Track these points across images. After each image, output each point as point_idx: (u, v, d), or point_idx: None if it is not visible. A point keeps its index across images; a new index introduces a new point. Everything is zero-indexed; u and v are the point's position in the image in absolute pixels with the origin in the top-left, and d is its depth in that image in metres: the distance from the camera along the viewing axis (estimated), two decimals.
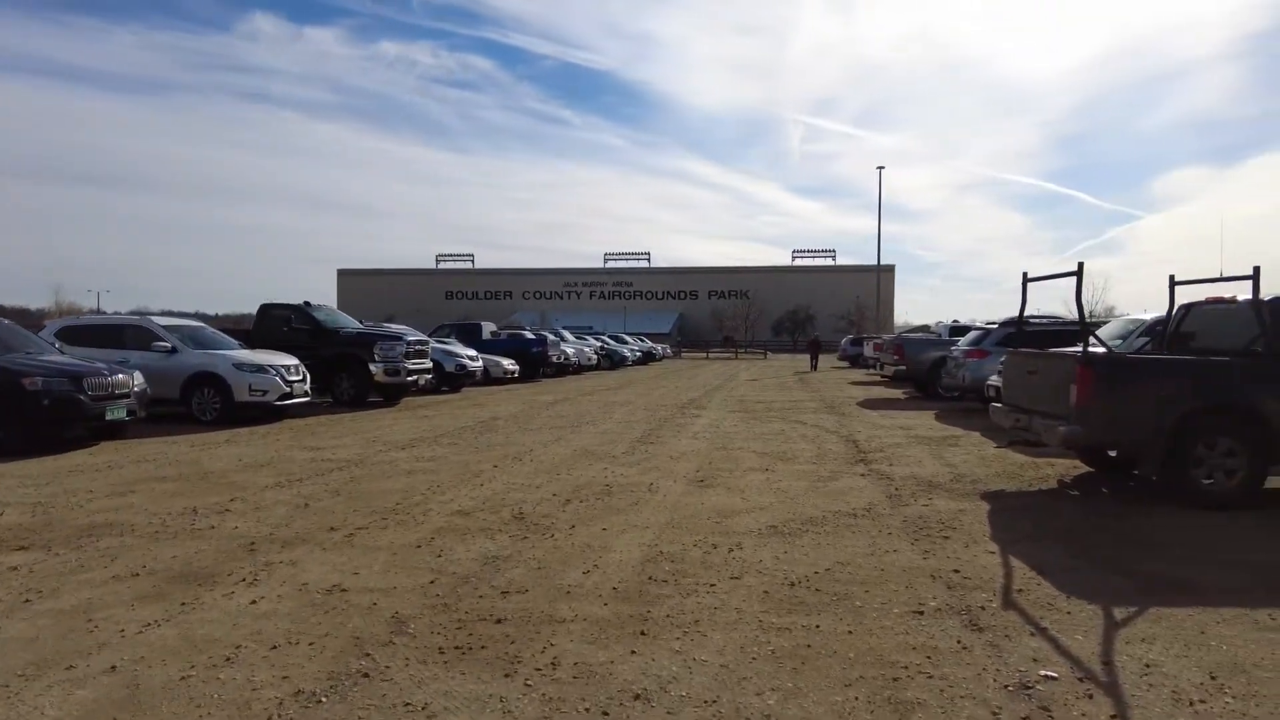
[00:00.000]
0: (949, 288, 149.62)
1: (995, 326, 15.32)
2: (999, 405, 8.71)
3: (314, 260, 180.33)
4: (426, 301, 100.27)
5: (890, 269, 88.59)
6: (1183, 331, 8.54)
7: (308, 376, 13.56)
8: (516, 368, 23.90)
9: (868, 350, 29.36)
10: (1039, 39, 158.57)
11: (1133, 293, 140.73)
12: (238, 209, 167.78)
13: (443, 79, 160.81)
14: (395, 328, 18.88)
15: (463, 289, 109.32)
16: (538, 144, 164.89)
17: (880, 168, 59.37)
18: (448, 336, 25.52)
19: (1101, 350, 8.09)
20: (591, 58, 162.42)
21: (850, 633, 3.84)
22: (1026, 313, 9.74)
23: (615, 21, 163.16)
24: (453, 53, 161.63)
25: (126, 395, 10.22)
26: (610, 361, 35.82)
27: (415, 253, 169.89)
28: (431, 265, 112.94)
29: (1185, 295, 8.63)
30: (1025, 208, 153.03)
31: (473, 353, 21.09)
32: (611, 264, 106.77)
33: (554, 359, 26.84)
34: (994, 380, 12.88)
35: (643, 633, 3.81)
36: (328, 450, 9.75)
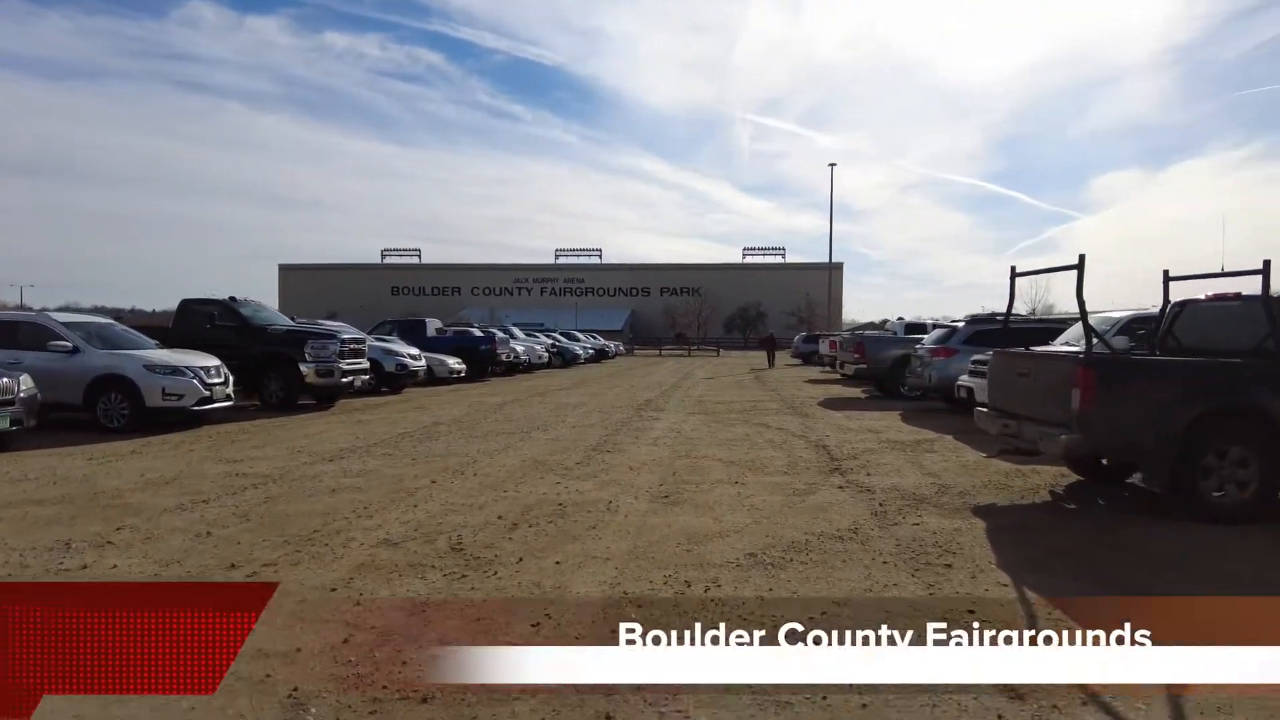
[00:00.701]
0: (893, 285, 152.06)
1: (962, 324, 14.85)
2: (984, 410, 8.09)
3: (256, 255, 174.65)
4: (372, 297, 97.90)
5: (839, 267, 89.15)
6: (1175, 330, 8.04)
7: (230, 378, 12.39)
8: (463, 367, 22.83)
9: (824, 348, 28.96)
10: (981, 43, 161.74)
11: (1069, 291, 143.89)
12: (176, 201, 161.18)
13: (391, 72, 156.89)
14: (330, 325, 17.70)
15: (410, 285, 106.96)
16: (488, 139, 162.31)
17: (832, 165, 59.40)
18: (390, 334, 24.32)
19: (1103, 350, 7.51)
20: (542, 53, 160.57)
21: (864, 706, 3.09)
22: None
23: (565, 17, 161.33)
24: (401, 45, 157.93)
25: (10, 402, 9.02)
26: (562, 360, 34.87)
27: (363, 248, 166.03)
28: (377, 260, 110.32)
29: (1178, 291, 8.13)
30: (966, 208, 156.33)
31: (415, 351, 19.99)
32: (563, 260, 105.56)
33: (503, 357, 25.82)
34: (965, 380, 12.38)
35: (609, 716, 3.00)
36: (246, 463, 8.69)
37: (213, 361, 12.14)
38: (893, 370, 17.62)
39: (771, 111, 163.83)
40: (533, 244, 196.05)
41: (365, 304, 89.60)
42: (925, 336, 19.65)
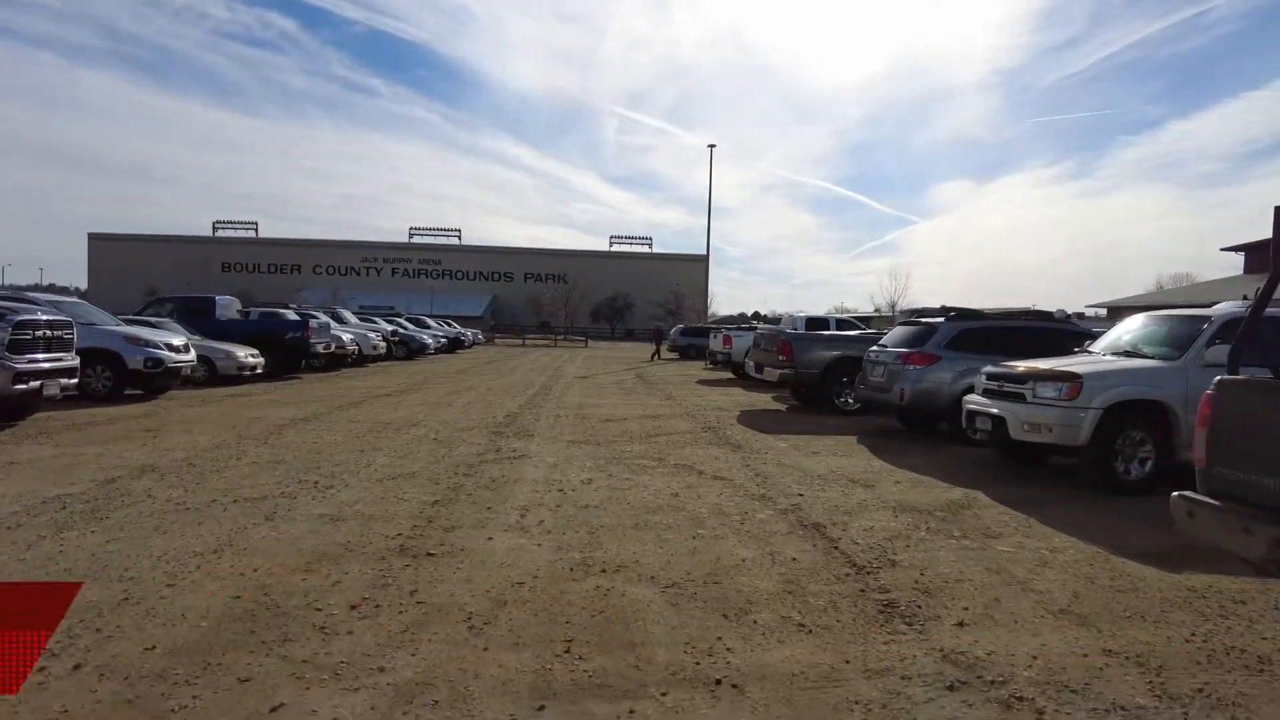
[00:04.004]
0: (749, 280, 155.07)
1: (941, 320, 11.03)
2: (1209, 503, 4.05)
3: (68, 225, 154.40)
4: (200, 274, 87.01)
5: (705, 259, 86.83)
6: None
7: None
8: (259, 360, 17.18)
9: (714, 343, 25.06)
10: (834, 53, 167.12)
11: (930, 289, 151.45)
12: None
13: (237, 35, 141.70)
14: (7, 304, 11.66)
15: (243, 261, 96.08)
16: (342, 113, 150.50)
17: (712, 146, 56.05)
18: (167, 315, 18.31)
19: None
20: (404, 28, 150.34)
21: None
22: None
23: None
24: (250, 8, 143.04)
25: None
26: (406, 350, 29.31)
27: (198, 223, 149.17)
28: (208, 234, 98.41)
29: None
30: (817, 209, 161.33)
31: (181, 340, 14.29)
32: (418, 240, 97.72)
33: (320, 348, 20.20)
34: (977, 404, 8.47)
35: None
36: None
37: None
38: (826, 376, 13.73)
39: (638, 106, 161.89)
40: (387, 224, 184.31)
41: (192, 281, 79.34)
42: (851, 333, 15.99)
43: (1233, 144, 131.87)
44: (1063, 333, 11.00)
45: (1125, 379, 7.47)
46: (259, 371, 17.36)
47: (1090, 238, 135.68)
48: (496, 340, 55.65)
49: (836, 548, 5.40)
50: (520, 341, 55.04)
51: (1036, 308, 16.61)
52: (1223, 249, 52.05)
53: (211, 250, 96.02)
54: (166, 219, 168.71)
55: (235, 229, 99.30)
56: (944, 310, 14.04)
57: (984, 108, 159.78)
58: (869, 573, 4.88)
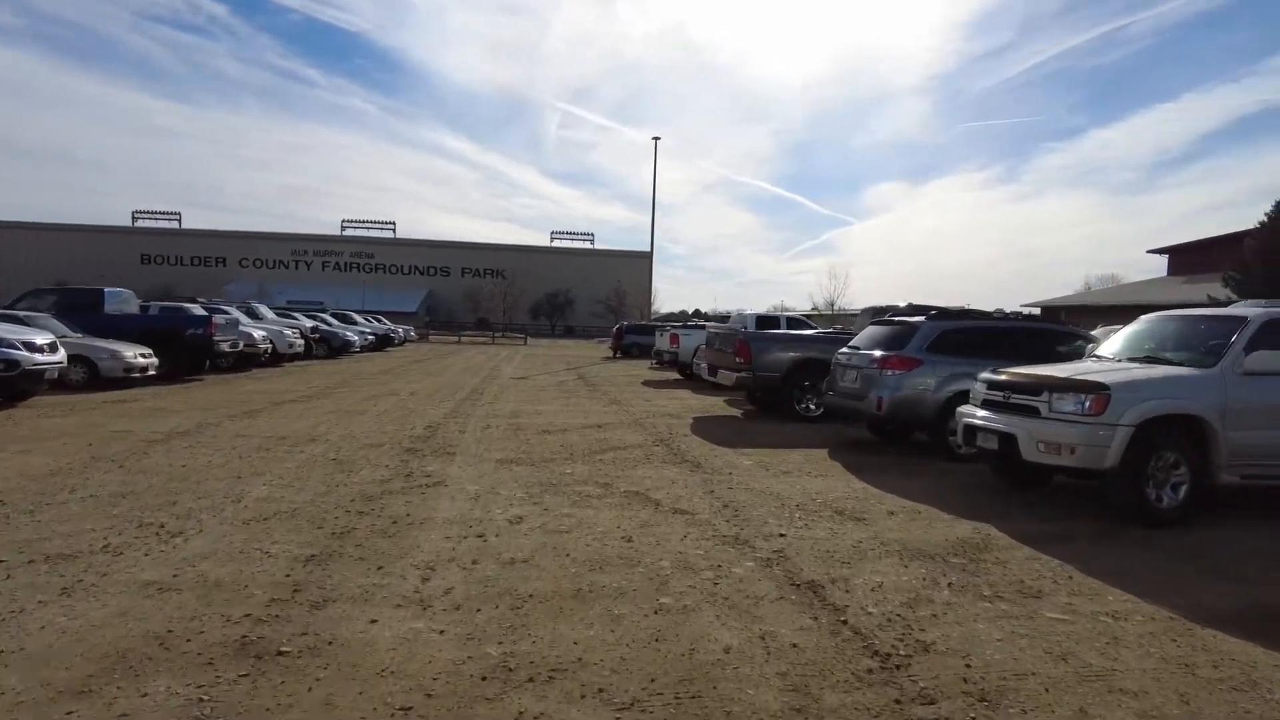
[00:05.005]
0: (691, 278, 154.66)
1: (921, 320, 9.82)
2: None
3: None
4: (116, 266, 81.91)
5: (649, 256, 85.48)
6: None
7: None
8: (152, 360, 15.15)
9: (661, 342, 23.70)
10: (777, 54, 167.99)
11: (869, 289, 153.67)
12: None
13: (165, 19, 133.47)
14: None
15: (165, 253, 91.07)
16: (278, 102, 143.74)
17: (656, 139, 54.59)
18: (47, 309, 16.14)
19: None
20: (342, 16, 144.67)
21: None
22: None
23: None
24: None
25: None
26: (328, 348, 27.18)
27: (121, 211, 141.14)
28: (127, 223, 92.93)
29: None
30: (757, 208, 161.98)
31: (46, 339, 12.26)
32: (351, 233, 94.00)
33: (227, 346, 18.14)
34: (982, 419, 7.25)
35: None
36: None
37: None
38: (787, 380, 12.48)
39: (582, 101, 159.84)
40: (321, 216, 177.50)
41: (106, 274, 74.55)
42: (812, 334, 14.83)
43: (1147, 153, 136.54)
44: (1051, 334, 9.95)
45: (1158, 390, 6.33)
46: (152, 373, 15.32)
47: (1019, 240, 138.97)
48: (430, 337, 53.34)
49: (845, 622, 4.05)
50: (456, 339, 52.85)
51: (970, 307, 15.74)
52: (1149, 251, 53.35)
53: (131, 241, 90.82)
54: (91, 206, 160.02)
55: (157, 219, 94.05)
56: (912, 308, 12.96)
57: (919, 111, 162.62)
58: (898, 666, 3.55)
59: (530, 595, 4.24)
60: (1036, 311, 43.18)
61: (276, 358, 22.06)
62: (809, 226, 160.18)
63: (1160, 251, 51.31)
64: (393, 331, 38.33)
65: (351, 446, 8.82)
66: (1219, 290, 32.14)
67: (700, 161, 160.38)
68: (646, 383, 20.39)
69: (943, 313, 10.15)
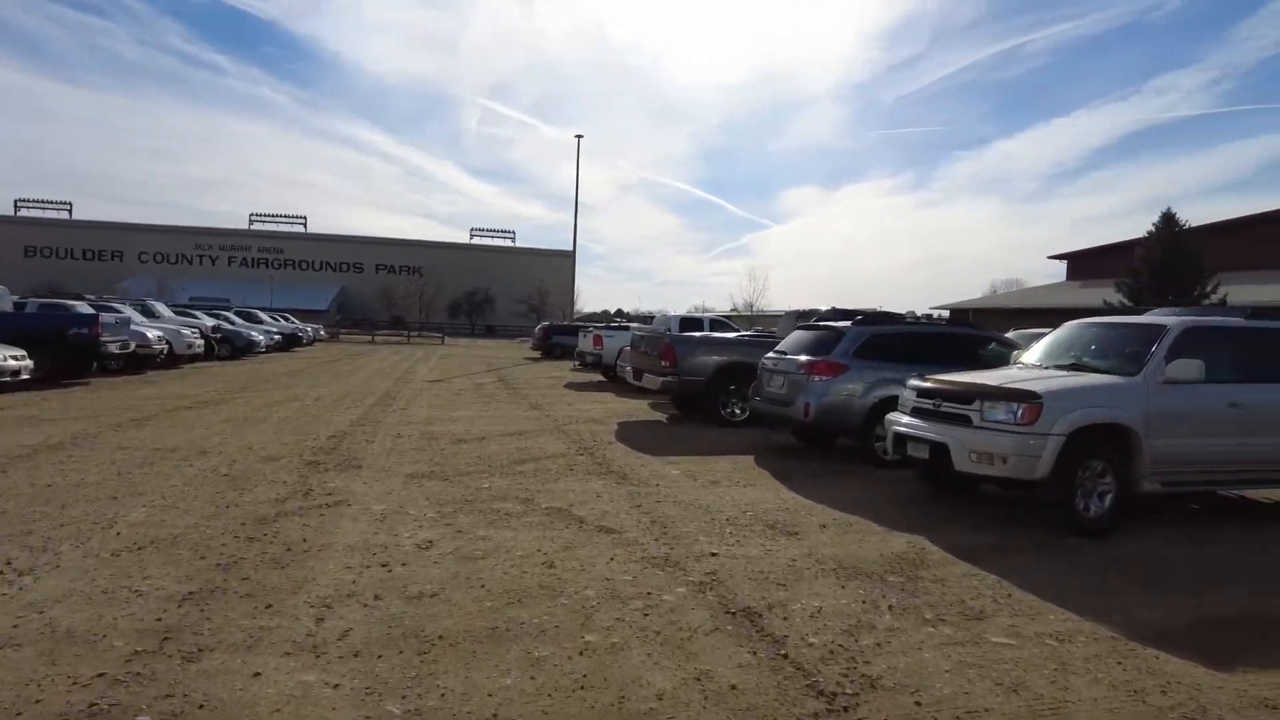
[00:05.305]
0: (610, 278, 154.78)
1: (847, 324, 9.69)
2: None
3: None
4: None
5: (571, 255, 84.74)
6: None
7: None
8: (25, 363, 13.85)
9: (584, 343, 23.27)
10: (696, 57, 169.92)
11: (789, 292, 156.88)
12: None
13: None
14: None
15: (53, 245, 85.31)
16: (182, 89, 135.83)
17: (579, 136, 54.02)
18: None
19: None
20: (252, 2, 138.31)
21: None
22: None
23: None
24: None
25: None
26: (231, 348, 25.70)
27: (0, 199, 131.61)
28: (8, 212, 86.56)
29: None
30: (677, 210, 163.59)
31: None
32: (259, 227, 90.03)
33: (115, 347, 16.82)
34: (908, 426, 7.13)
35: None
36: None
37: None
38: (712, 384, 12.25)
39: (502, 97, 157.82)
40: (229, 209, 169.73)
41: None
42: (737, 336, 14.71)
43: (1045, 164, 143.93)
44: (973, 339, 9.99)
45: (1087, 398, 6.30)
46: (25, 376, 14.00)
47: (929, 245, 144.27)
48: (342, 336, 51.44)
49: (786, 656, 3.75)
50: (369, 338, 51.11)
51: (882, 309, 15.96)
52: (1049, 257, 55.88)
53: (14, 232, 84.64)
54: None
55: (44, 209, 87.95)
56: (835, 312, 12.92)
57: (834, 118, 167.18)
58: (845, 707, 3.26)
59: (440, 637, 3.79)
60: (945, 314, 44.68)
61: (173, 359, 20.66)
62: (728, 229, 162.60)
63: (1059, 257, 53.79)
64: (301, 331, 36.69)
65: (247, 459, 8.11)
66: (1113, 295, 33.83)
67: (620, 162, 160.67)
68: (569, 385, 19.94)
69: (868, 317, 10.08)
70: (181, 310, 27.28)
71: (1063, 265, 53.61)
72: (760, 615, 4.25)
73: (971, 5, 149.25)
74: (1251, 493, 8.18)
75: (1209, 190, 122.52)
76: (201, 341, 22.68)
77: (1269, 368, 7.11)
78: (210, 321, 25.68)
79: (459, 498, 6.68)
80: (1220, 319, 7.28)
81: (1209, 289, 32.10)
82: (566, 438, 10.47)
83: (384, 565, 4.79)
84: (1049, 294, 49.04)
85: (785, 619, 4.22)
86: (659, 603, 4.36)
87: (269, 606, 4.07)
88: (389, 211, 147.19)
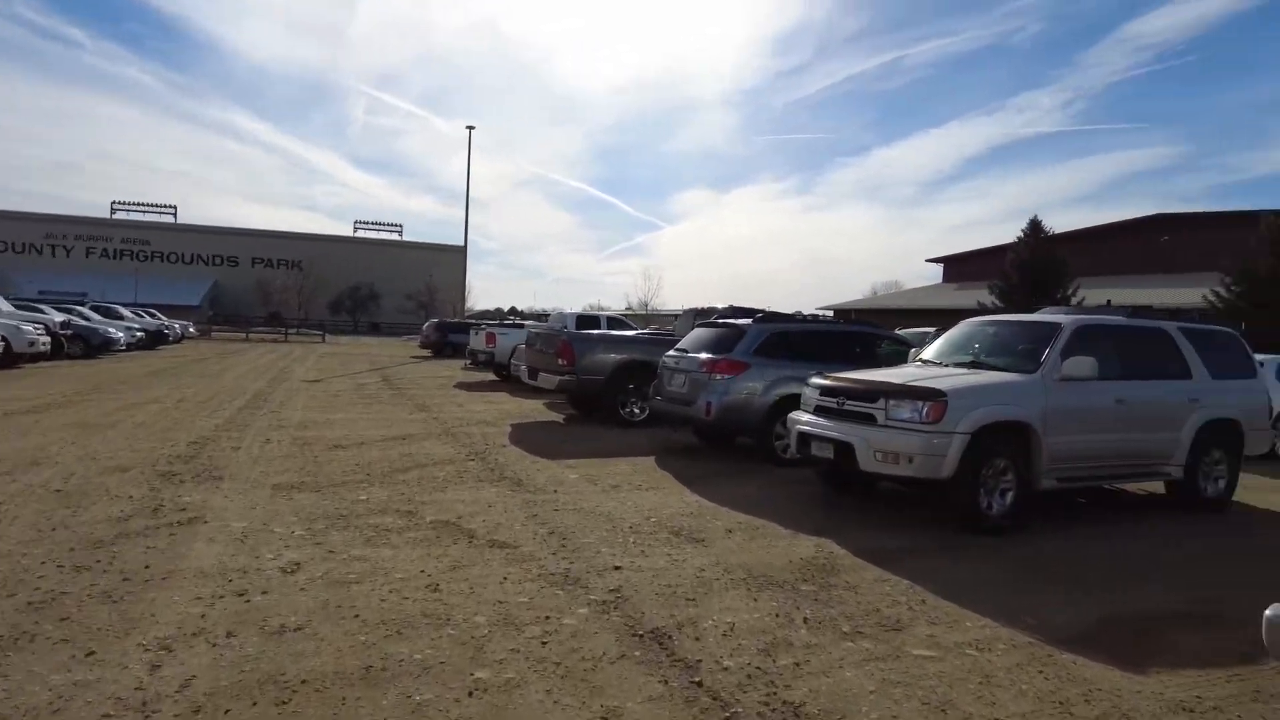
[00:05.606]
0: (503, 274, 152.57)
1: (748, 322, 9.51)
2: None
3: None
4: None
5: (463, 250, 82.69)
6: None
7: None
8: None
9: (476, 341, 22.43)
10: (591, 57, 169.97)
11: (685, 293, 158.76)
12: None
13: None
14: None
15: None
16: (32, 63, 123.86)
17: (470, 128, 52.61)
18: None
19: None
20: None
21: None
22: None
23: None
24: None
25: None
26: (85, 346, 23.42)
27: None
28: None
29: None
30: (572, 208, 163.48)
31: None
32: (122, 215, 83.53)
33: None
34: (809, 424, 6.97)
35: None
36: None
37: None
38: (612, 383, 11.88)
39: (390, 88, 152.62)
40: (87, 196, 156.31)
41: None
42: (635, 334, 14.43)
43: (923, 172, 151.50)
44: (871, 336, 10.01)
45: (990, 396, 6.27)
46: None
47: (814, 248, 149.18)
48: (214, 334, 48.26)
49: (699, 683, 3.40)
50: (244, 335, 48.14)
51: (770, 309, 16.09)
52: (927, 260, 58.65)
53: None
54: None
55: None
56: (733, 310, 12.81)
57: (725, 122, 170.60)
58: None
59: (303, 681, 3.23)
60: (830, 314, 46.10)
61: (12, 358, 18.58)
62: (622, 228, 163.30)
63: (936, 261, 56.52)
64: (167, 327, 34.04)
65: (88, 471, 7.15)
66: (986, 296, 35.69)
67: (514, 157, 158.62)
68: (460, 385, 19.15)
69: (769, 315, 9.95)
70: (25, 304, 24.71)
71: (939, 268, 56.30)
72: (670, 637, 3.88)
73: (855, 18, 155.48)
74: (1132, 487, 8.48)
75: (1067, 201, 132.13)
76: (48, 339, 20.50)
77: (1148, 365, 7.35)
78: (59, 317, 23.32)
79: (332, 512, 6.03)
80: (1106, 318, 7.46)
81: (1070, 291, 34.30)
82: (456, 441, 9.85)
83: (241, 594, 4.15)
84: (927, 295, 51.42)
85: (697, 639, 3.88)
86: (559, 628, 3.93)
87: (90, 654, 3.39)
88: (269, 204, 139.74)
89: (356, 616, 3.94)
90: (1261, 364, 9.65)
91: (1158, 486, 7.99)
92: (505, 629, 3.87)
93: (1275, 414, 9.37)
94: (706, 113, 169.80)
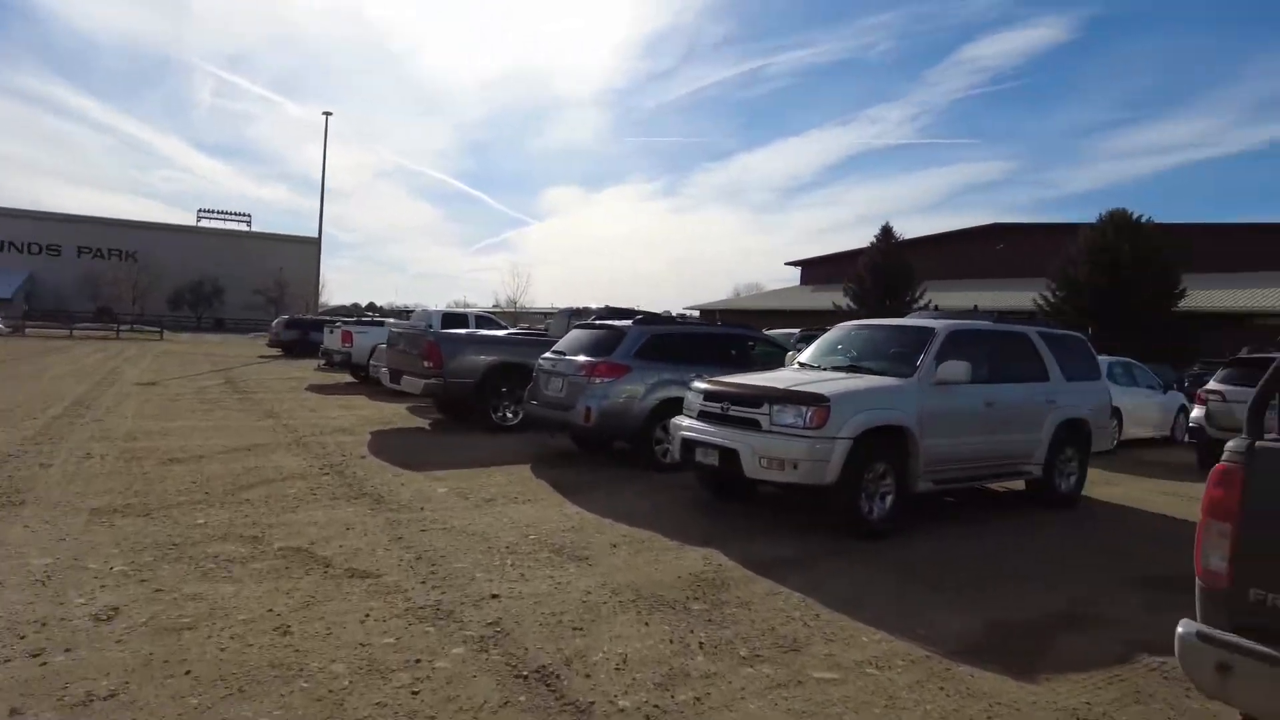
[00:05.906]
0: (361, 268, 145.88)
1: (629, 324, 9.21)
2: (1263, 652, 2.43)
3: None
4: None
5: (317, 242, 78.40)
6: None
7: None
8: None
9: (330, 340, 21.07)
10: (460, 48, 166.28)
11: (552, 291, 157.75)
12: None
13: None
14: None
15: None
16: None
17: (327, 114, 49.89)
18: None
19: None
20: None
21: None
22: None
23: None
24: None
25: None
26: None
27: None
28: None
29: None
30: (436, 201, 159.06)
31: None
32: None
33: None
34: (693, 430, 6.78)
35: None
36: None
37: None
38: (483, 387, 11.30)
39: (240, 68, 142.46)
40: None
41: None
42: (506, 334, 13.92)
43: (781, 178, 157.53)
44: (746, 339, 9.99)
45: (871, 401, 6.27)
46: None
47: (680, 249, 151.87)
48: (29, 330, 43.36)
49: None
50: (67, 332, 43.51)
51: (640, 309, 16.09)
52: (786, 263, 60.72)
53: None
54: None
55: None
56: (609, 310, 12.53)
57: (594, 122, 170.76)
58: None
59: None
60: (695, 314, 46.94)
61: None
62: (490, 224, 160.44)
63: (794, 264, 58.68)
64: None
65: None
66: (841, 298, 37.31)
67: (376, 147, 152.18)
68: (312, 388, 17.88)
69: (649, 316, 9.72)
70: None
71: (798, 271, 58.47)
72: (558, 675, 3.52)
73: (722, 26, 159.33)
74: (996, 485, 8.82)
75: (913, 209, 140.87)
76: None
77: (1012, 368, 7.63)
78: None
79: (163, 540, 5.25)
80: (976, 323, 7.68)
81: (918, 294, 36.36)
82: (308, 452, 9.03)
83: (35, 655, 3.43)
84: (786, 297, 53.32)
85: (588, 676, 3.53)
86: (431, 673, 3.47)
87: None
88: (98, 188, 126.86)
89: (188, 673, 3.33)
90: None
91: (1017, 483, 8.33)
92: (369, 678, 3.38)
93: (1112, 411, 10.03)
94: (578, 110, 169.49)
